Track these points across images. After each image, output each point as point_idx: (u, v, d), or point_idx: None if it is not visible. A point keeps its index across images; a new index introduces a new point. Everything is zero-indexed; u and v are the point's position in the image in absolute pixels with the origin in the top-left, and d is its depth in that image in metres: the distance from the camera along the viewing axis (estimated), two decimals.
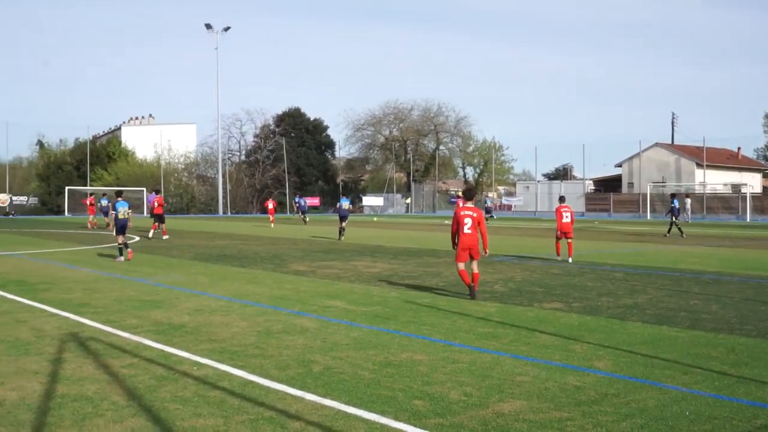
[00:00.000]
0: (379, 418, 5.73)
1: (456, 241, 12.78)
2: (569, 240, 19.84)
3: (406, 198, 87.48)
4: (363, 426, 5.56)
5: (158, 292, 13.04)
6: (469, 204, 13.06)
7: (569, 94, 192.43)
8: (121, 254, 19.43)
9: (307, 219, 49.72)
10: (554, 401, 6.24)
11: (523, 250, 23.97)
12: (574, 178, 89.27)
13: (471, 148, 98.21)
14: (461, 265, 12.71)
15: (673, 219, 32.45)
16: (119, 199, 20.46)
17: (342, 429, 5.49)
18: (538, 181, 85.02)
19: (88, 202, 42.19)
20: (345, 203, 31.70)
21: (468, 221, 12.61)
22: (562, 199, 21.00)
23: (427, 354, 8.06)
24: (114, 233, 20.16)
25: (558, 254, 19.96)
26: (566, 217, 19.85)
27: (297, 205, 53.34)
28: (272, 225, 41.82)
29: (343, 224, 30.04)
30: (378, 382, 6.82)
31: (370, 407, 6.03)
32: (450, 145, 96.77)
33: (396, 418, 5.74)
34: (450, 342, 8.72)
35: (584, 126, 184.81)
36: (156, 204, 30.26)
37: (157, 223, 29.73)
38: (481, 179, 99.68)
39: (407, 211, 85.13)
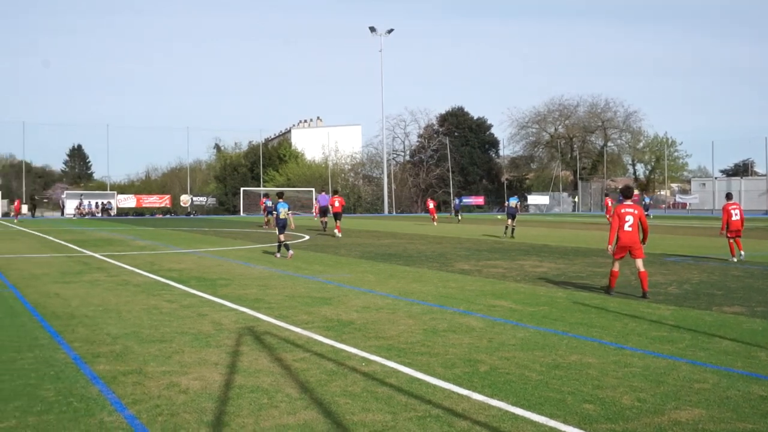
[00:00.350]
0: (547, 421, 5.61)
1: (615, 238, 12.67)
2: (738, 238, 19.07)
3: (573, 196, 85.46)
4: (531, 428, 5.47)
5: (328, 290, 13.42)
6: (629, 202, 13.03)
7: (748, 85, 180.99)
8: (279, 251, 20.45)
9: (460, 218, 50.37)
10: (737, 411, 5.87)
11: (699, 250, 22.77)
12: (756, 174, 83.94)
13: (641, 144, 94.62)
14: (617, 265, 12.79)
15: None
16: (280, 200, 21.49)
17: (509, 430, 5.42)
18: (716, 178, 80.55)
19: (263, 203, 44.45)
20: (513, 201, 31.66)
21: (629, 219, 12.52)
22: (729, 196, 20.06)
23: (598, 357, 7.81)
24: (276, 232, 21.20)
25: (732, 255, 18.89)
26: (735, 215, 18.97)
27: (454, 204, 54.53)
28: (435, 224, 42.37)
29: (512, 222, 30.33)
30: (546, 384, 6.69)
31: (538, 409, 5.92)
32: (619, 141, 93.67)
33: (565, 422, 5.60)
34: (622, 345, 8.42)
35: (767, 118, 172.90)
36: (336, 203, 31.74)
37: (338, 222, 31.45)
38: (652, 176, 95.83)
39: (574, 210, 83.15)
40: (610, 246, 12.94)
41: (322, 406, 6.01)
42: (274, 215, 21.82)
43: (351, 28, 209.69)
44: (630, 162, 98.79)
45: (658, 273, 15.96)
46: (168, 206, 71.92)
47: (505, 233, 30.65)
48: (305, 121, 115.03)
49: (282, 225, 20.89)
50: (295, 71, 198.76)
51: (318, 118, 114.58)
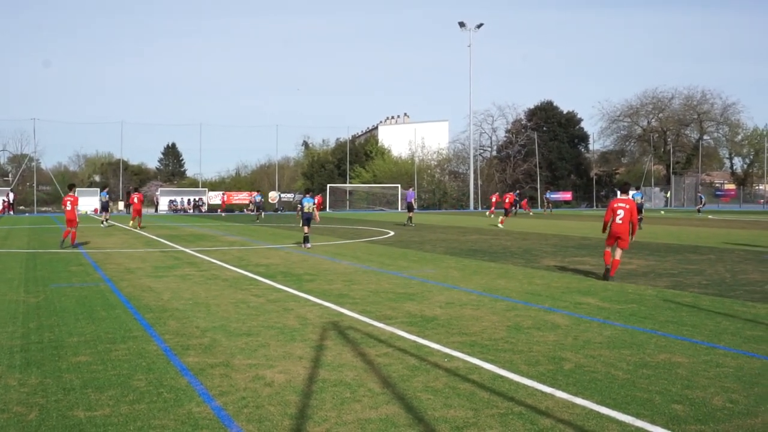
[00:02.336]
0: (634, 421, 5.48)
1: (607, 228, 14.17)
2: None
3: (665, 191, 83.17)
4: (616, 428, 5.35)
5: (411, 285, 13.44)
6: (623, 197, 14.46)
7: None
8: (306, 242, 22.21)
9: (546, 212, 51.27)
10: None
11: None
12: None
13: (739, 137, 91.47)
14: (608, 248, 14.24)
15: None
16: (306, 195, 23.64)
17: (594, 429, 5.32)
18: None
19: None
20: (638, 197, 31.97)
21: (621, 212, 13.93)
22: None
23: (688, 356, 7.58)
24: (300, 224, 22.86)
25: None
26: None
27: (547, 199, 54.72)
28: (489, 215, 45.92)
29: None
30: (633, 383, 6.53)
31: (624, 409, 5.79)
32: (715, 134, 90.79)
33: (652, 422, 5.46)
34: (714, 344, 8.15)
35: None
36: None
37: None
38: (750, 170, 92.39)
39: (666, 205, 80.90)
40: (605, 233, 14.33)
41: (403, 401, 6.03)
42: (299, 209, 23.31)
43: (439, 23, 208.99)
44: (727, 156, 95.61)
45: (756, 271, 15.38)
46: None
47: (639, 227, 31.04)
48: (392, 117, 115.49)
49: (307, 218, 22.50)
50: (382, 68, 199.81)
51: (405, 114, 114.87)
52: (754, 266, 16.28)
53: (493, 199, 47.68)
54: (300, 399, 6.11)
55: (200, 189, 73.83)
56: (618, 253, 14.07)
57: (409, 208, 36.65)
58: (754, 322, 9.48)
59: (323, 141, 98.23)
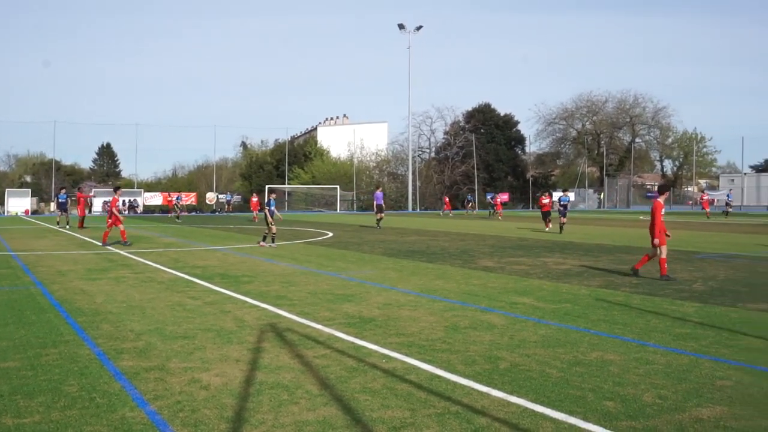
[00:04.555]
0: (567, 418, 5.59)
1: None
2: None
3: (599, 193, 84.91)
4: (551, 425, 5.45)
5: (350, 286, 13.45)
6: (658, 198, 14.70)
7: None
8: (264, 240, 23.66)
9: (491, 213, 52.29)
10: (759, 408, 5.81)
11: (727, 247, 22.53)
12: None
13: (670, 140, 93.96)
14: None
15: None
16: (271, 197, 25.21)
17: (529, 427, 5.41)
18: (745, 174, 79.57)
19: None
20: (565, 201, 32.79)
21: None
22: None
23: (619, 354, 7.77)
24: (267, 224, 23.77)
25: None
26: None
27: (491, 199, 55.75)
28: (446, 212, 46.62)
29: (564, 219, 31.50)
30: (566, 381, 6.66)
31: (557, 406, 5.90)
32: (647, 137, 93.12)
33: (585, 419, 5.58)
34: (644, 342, 8.36)
35: None
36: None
37: (546, 219, 32.82)
38: (680, 173, 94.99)
39: (599, 206, 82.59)
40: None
41: (341, 403, 6.03)
42: (266, 210, 24.12)
43: (378, 26, 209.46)
44: (658, 158, 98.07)
45: (684, 270, 15.83)
46: (194, 204, 72.43)
47: (546, 229, 31.91)
48: (331, 118, 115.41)
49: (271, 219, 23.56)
50: (322, 69, 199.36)
51: (344, 115, 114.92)
52: (682, 266, 16.75)
53: (447, 199, 51.30)
54: (237, 402, 6.06)
55: (135, 190, 72.53)
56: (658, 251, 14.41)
57: (379, 209, 36.52)
58: (683, 320, 9.76)
59: (262, 142, 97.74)
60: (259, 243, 23.85)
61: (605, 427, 5.39)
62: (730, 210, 53.88)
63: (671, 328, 9.20)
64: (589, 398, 6.13)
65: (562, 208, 32.12)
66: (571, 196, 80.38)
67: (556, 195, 58.43)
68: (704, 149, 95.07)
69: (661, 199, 14.67)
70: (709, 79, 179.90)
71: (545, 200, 33.40)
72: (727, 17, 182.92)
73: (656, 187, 14.95)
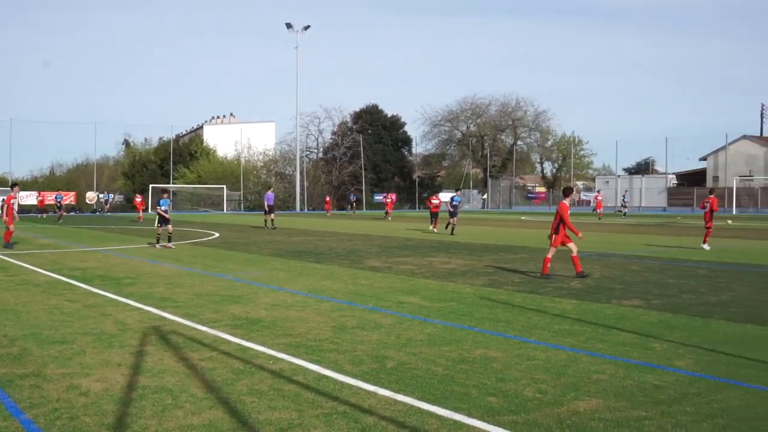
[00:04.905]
0: (452, 415, 5.71)
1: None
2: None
3: (483, 194, 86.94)
4: (436, 422, 5.55)
5: (237, 288, 13.29)
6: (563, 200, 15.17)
7: (651, 86, 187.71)
8: (158, 242, 22.90)
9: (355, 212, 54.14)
10: (632, 400, 6.10)
11: (603, 246, 23.51)
12: (656, 172, 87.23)
13: (549, 143, 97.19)
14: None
15: None
16: (164, 197, 24.04)
17: (415, 425, 5.49)
18: (619, 176, 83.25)
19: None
20: (456, 201, 32.47)
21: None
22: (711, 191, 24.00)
23: (502, 351, 7.99)
24: (159, 225, 23.17)
25: None
26: None
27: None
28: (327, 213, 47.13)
29: (454, 220, 31.00)
30: (452, 379, 6.80)
31: (443, 403, 6.01)
32: (528, 140, 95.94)
33: (469, 415, 5.71)
34: (525, 339, 8.63)
35: (667, 119, 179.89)
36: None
37: (434, 220, 32.57)
38: (559, 174, 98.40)
39: (483, 207, 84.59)
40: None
41: (227, 406, 5.95)
42: (158, 209, 23.45)
43: (266, 24, 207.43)
44: (538, 160, 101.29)
45: (563, 269, 16.40)
46: (73, 203, 69.73)
47: (432, 229, 31.69)
48: (218, 117, 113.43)
49: (163, 219, 22.99)
50: (208, 67, 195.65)
51: (231, 114, 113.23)
52: (561, 264, 17.35)
53: (328, 199, 52.22)
54: (118, 408, 5.88)
55: (7, 189, 69.07)
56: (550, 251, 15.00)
57: (270, 210, 35.89)
58: (562, 317, 10.13)
59: (145, 140, 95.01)
60: (157, 245, 22.73)
61: (488, 423, 5.53)
62: (626, 210, 55.66)
63: (551, 325, 9.54)
64: (473, 394, 6.28)
65: (452, 209, 31.85)
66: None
67: (445, 196, 59.45)
68: (581, 152, 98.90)
69: (566, 201, 15.14)
70: (586, 85, 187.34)
71: (435, 201, 33.55)
72: (603, 27, 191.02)
73: (561, 190, 15.58)
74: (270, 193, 37.15)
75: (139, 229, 34.71)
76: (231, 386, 6.50)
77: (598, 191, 52.71)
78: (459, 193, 34.79)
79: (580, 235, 14.98)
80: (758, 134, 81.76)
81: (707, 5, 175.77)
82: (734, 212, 59.85)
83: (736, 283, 13.89)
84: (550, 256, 14.92)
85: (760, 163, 72.42)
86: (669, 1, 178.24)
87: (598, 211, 50.54)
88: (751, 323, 9.60)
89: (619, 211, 54.55)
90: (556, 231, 14.76)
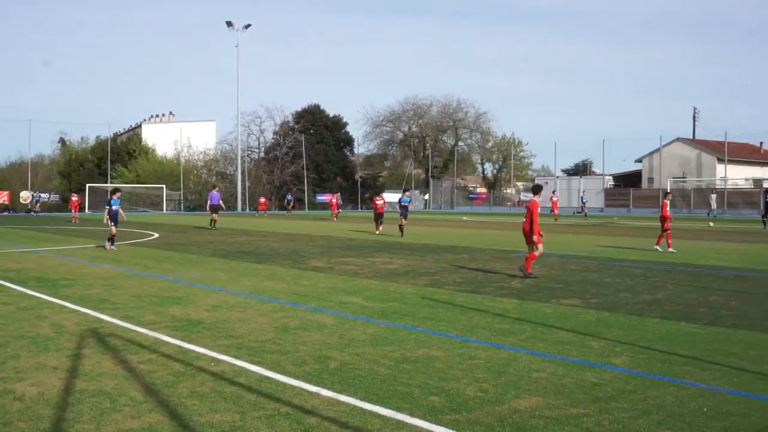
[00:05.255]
0: (394, 414, 5.73)
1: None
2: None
3: (424, 194, 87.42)
4: (378, 422, 5.57)
5: (177, 289, 13.11)
6: (533, 197, 15.32)
7: (589, 89, 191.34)
8: (111, 243, 22.05)
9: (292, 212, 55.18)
10: (571, 397, 6.21)
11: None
12: (594, 173, 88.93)
13: (490, 144, 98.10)
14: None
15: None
16: (114, 196, 22.92)
17: (357, 425, 5.50)
18: (557, 177, 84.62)
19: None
20: (406, 202, 31.06)
21: (525, 211, 15.17)
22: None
23: (444, 350, 8.05)
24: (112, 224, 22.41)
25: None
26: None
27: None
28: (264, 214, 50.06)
29: (405, 221, 29.92)
30: (394, 378, 6.83)
31: (386, 403, 6.03)
32: (469, 141, 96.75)
33: (412, 414, 5.74)
34: (467, 338, 8.71)
35: (605, 121, 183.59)
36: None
37: (378, 221, 31.96)
38: (499, 175, 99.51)
39: (425, 207, 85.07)
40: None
41: (168, 408, 5.87)
42: (106, 210, 22.83)
43: (207, 22, 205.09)
44: (479, 161, 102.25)
45: (504, 268, 16.60)
46: (6, 203, 67.89)
47: (376, 232, 30.80)
48: (157, 116, 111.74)
49: (114, 219, 22.44)
50: (147, 65, 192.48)
51: (170, 113, 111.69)
52: (502, 264, 17.60)
53: (262, 200, 53.66)
54: (54, 413, 5.75)
55: None
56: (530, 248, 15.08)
57: (215, 210, 35.30)
58: (502, 316, 10.25)
59: (82, 138, 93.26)
60: (108, 246, 21.90)
61: (431, 422, 5.56)
62: (587, 211, 55.24)
63: (492, 324, 9.64)
64: (416, 394, 6.31)
65: (402, 210, 30.33)
66: (397, 197, 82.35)
67: (390, 196, 59.30)
68: (521, 153, 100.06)
69: (537, 199, 15.28)
70: (526, 88, 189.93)
71: (379, 201, 32.96)
72: (540, 30, 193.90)
73: (531, 187, 15.74)
74: (214, 193, 36.65)
75: (75, 230, 33.97)
76: (171, 389, 6.42)
77: (554, 192, 52.58)
78: (408, 194, 33.35)
79: (541, 237, 15.13)
80: (691, 137, 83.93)
81: (643, 11, 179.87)
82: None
83: (670, 282, 14.25)
84: (538, 254, 15.14)
85: (693, 165, 74.36)
86: (605, 7, 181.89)
87: (554, 212, 49.78)
88: (684, 321, 9.86)
89: (579, 212, 54.09)
90: (531, 229, 14.91)
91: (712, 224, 38.62)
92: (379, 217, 32.02)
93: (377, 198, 33.59)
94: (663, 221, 21.87)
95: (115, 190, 23.46)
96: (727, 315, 10.34)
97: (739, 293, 12.55)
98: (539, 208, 15.11)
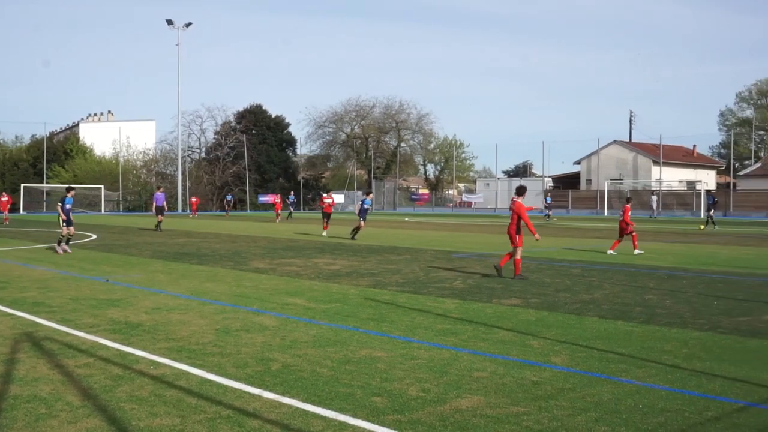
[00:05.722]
0: (337, 416, 5.73)
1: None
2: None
3: (367, 195, 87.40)
4: (321, 423, 5.56)
5: (115, 291, 12.88)
6: (517, 199, 15.31)
7: (530, 92, 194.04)
8: (66, 243, 21.18)
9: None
10: (511, 396, 6.29)
11: (483, 247, 24.11)
12: (534, 175, 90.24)
13: (432, 146, 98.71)
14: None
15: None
16: (69, 195, 21.81)
17: (300, 427, 5.48)
18: (498, 178, 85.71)
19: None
20: (367, 205, 29.80)
21: (510, 213, 15.23)
22: (628, 200, 22.86)
23: (387, 351, 8.08)
24: (65, 225, 21.27)
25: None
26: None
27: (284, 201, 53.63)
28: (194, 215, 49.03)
29: (362, 223, 28.60)
30: (337, 380, 6.82)
31: (328, 404, 6.02)
32: (411, 142, 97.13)
33: (354, 415, 5.74)
34: (409, 339, 8.75)
35: (544, 124, 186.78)
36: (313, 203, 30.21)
37: (325, 221, 30.83)
38: (441, 176, 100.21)
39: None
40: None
41: (106, 413, 5.77)
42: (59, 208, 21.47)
43: (147, 20, 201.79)
44: (421, 162, 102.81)
45: (444, 269, 16.73)
46: None
47: (354, 236, 28.51)
48: (95, 115, 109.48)
49: (68, 220, 21.25)
50: (84, 62, 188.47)
51: (109, 112, 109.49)
52: (443, 264, 17.72)
53: (194, 199, 55.74)
54: None
55: None
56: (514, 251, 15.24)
57: (160, 211, 34.57)
58: (444, 317, 10.33)
59: (16, 137, 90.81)
60: (58, 248, 20.98)
61: (373, 422, 5.58)
62: (551, 213, 54.29)
63: (434, 324, 9.71)
64: (358, 395, 6.32)
65: (363, 212, 29.06)
66: (340, 198, 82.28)
67: (335, 197, 58.83)
68: (463, 155, 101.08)
69: (521, 200, 15.31)
70: (467, 90, 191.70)
71: (327, 200, 31.89)
72: (482, 34, 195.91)
73: (516, 189, 15.65)
74: (159, 194, 36.05)
75: (7, 231, 33.08)
76: (109, 393, 6.31)
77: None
78: (371, 196, 32.02)
79: (537, 237, 15.77)
80: (628, 140, 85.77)
81: (583, 17, 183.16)
82: (605, 214, 62.62)
83: (607, 281, 14.54)
84: (519, 256, 15.24)
85: (630, 167, 76.01)
86: (546, 12, 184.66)
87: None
88: (621, 320, 10.08)
89: (547, 215, 52.84)
90: (517, 231, 15.12)
91: (702, 227, 37.03)
92: (327, 217, 31.02)
93: (325, 196, 32.28)
94: (626, 226, 21.48)
95: (69, 189, 22.46)
96: (662, 314, 10.60)
97: (673, 292, 12.88)
98: (525, 209, 15.27)
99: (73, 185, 30.48)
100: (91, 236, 29.10)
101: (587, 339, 8.76)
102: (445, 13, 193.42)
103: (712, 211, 37.06)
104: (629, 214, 21.83)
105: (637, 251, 21.31)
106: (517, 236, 15.15)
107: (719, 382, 6.76)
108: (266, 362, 7.49)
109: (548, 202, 54.85)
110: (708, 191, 39.93)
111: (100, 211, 68.66)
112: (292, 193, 57.93)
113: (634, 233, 21.60)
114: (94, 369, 7.16)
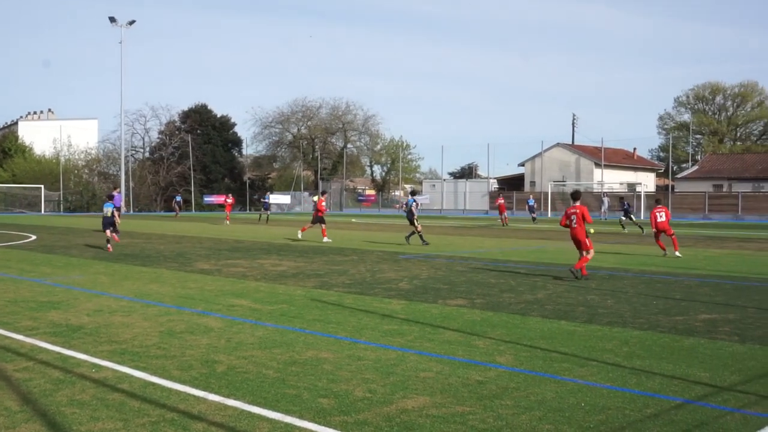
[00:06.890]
0: (283, 417, 5.71)
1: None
2: (671, 236, 21.14)
3: (314, 196, 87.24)
4: (267, 425, 5.53)
5: (56, 293, 12.62)
6: (577, 203, 15.71)
7: (475, 94, 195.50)
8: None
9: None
10: (457, 396, 6.35)
11: (429, 248, 24.24)
12: (479, 176, 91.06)
13: (378, 147, 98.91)
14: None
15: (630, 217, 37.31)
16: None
17: (245, 429, 5.45)
18: (444, 180, 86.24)
19: None
20: (412, 204, 26.62)
21: (574, 217, 15.52)
22: (658, 201, 23.06)
23: (333, 352, 8.07)
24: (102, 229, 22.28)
25: (664, 250, 21.20)
26: (661, 217, 21.21)
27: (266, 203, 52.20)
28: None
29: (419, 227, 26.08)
30: (283, 381, 6.80)
31: (274, 406, 6.00)
32: (358, 143, 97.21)
33: (301, 417, 5.73)
34: (356, 339, 8.77)
35: (489, 126, 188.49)
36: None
37: (323, 226, 28.46)
38: (388, 177, 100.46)
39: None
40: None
41: (46, 418, 5.65)
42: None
43: (89, 17, 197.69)
44: (368, 163, 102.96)
45: (391, 270, 16.78)
46: None
47: (408, 240, 25.91)
48: (34, 113, 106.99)
49: (109, 222, 22.54)
50: (24, 60, 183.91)
51: (49, 110, 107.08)
52: (389, 265, 17.78)
53: (115, 194, 53.32)
54: None
55: None
56: (583, 253, 15.49)
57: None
58: (390, 317, 10.37)
59: None
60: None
61: (319, 424, 5.58)
62: (536, 216, 52.89)
63: (380, 325, 9.74)
64: (305, 396, 6.31)
65: (410, 214, 26.13)
66: (287, 198, 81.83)
67: (281, 198, 57.96)
68: (409, 156, 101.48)
69: (578, 203, 15.77)
70: (412, 92, 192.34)
71: (322, 203, 29.33)
72: (426, 36, 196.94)
73: (571, 194, 16.31)
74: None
75: None
76: (50, 397, 6.18)
77: (500, 194, 50.97)
78: (417, 195, 28.76)
79: (592, 230, 16.12)
80: (570, 142, 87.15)
81: (525, 21, 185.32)
82: (549, 215, 63.52)
83: (550, 282, 14.76)
84: (590, 257, 15.55)
85: (572, 169, 77.24)
86: (492, 15, 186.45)
87: (503, 215, 45.92)
88: (564, 320, 10.24)
89: (533, 217, 52.39)
90: (583, 234, 15.50)
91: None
92: (319, 220, 28.86)
93: (321, 200, 31.37)
94: (667, 227, 21.00)
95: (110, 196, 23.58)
96: (604, 313, 10.81)
97: (614, 292, 13.14)
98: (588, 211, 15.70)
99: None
100: (30, 237, 28.45)
101: (531, 339, 8.89)
102: (391, 14, 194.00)
103: (625, 217, 37.64)
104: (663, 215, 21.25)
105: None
106: (587, 239, 15.55)
107: (658, 380, 6.93)
108: (211, 364, 7.43)
109: (531, 204, 52.94)
110: (621, 198, 43.37)
111: (40, 211, 67.17)
112: (267, 193, 57.18)
113: (672, 236, 21.16)
114: (33, 373, 7.02)
